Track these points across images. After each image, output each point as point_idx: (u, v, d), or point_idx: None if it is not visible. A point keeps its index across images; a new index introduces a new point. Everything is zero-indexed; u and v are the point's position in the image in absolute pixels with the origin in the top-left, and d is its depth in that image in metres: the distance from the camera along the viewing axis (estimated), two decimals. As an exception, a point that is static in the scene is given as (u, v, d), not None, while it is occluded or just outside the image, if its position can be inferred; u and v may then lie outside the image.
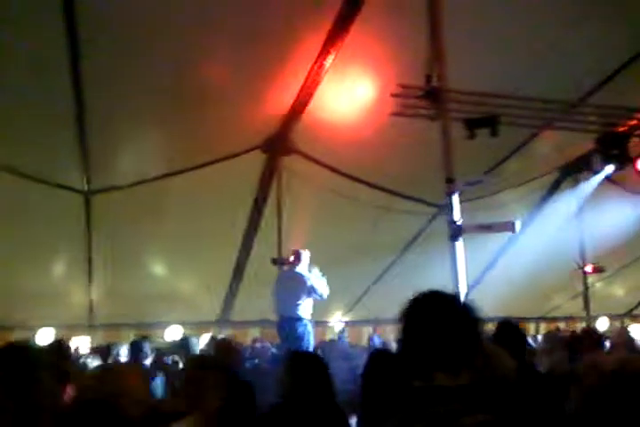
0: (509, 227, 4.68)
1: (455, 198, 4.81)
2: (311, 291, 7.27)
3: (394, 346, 9.15)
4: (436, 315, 1.47)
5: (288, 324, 7.28)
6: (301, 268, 7.60)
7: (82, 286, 10.24)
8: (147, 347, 6.39)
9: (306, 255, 7.71)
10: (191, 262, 10.29)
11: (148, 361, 6.13)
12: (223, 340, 5.94)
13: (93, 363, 4.42)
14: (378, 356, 3.54)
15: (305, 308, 7.28)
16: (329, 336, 11.86)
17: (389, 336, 12.19)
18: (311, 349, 6.88)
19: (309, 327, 7.10)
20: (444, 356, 1.41)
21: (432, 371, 1.40)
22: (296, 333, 7.05)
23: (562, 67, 7.22)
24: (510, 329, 3.98)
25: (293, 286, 7.40)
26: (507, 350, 3.77)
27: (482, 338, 1.51)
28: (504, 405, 1.54)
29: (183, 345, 6.19)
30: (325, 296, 7.36)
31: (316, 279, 7.38)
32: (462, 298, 1.60)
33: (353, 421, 3.50)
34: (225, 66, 7.32)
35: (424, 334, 1.45)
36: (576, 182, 10.54)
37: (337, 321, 12.41)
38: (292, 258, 7.86)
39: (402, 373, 1.46)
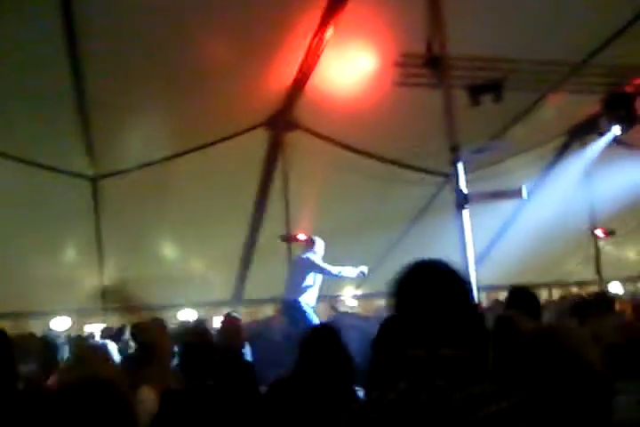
0: (516, 193, 4.62)
1: (460, 167, 4.76)
2: (322, 271, 7.17)
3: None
4: (433, 285, 1.39)
5: (290, 308, 7.18)
6: (312, 253, 7.40)
7: (93, 271, 10.28)
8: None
9: (320, 243, 7.50)
10: (201, 243, 10.31)
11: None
12: (228, 316, 5.61)
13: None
14: (389, 323, 3.47)
15: (308, 293, 7.14)
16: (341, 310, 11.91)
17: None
18: None
19: (310, 312, 6.97)
20: (443, 327, 1.35)
21: (433, 341, 1.33)
22: (299, 317, 6.93)
23: (565, 28, 7.08)
24: (523, 295, 3.94)
25: (299, 271, 7.29)
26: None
27: (476, 309, 1.47)
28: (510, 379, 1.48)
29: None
30: (343, 274, 7.32)
31: (323, 263, 7.26)
32: (459, 268, 1.49)
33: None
34: (223, 43, 7.26)
35: (418, 305, 1.38)
36: (584, 145, 10.44)
37: (349, 295, 12.46)
38: (305, 244, 7.74)
39: (404, 341, 1.42)
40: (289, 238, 8.95)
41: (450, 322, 1.36)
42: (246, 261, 10.91)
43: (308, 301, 7.12)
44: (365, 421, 1.29)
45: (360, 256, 10.82)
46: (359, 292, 12.48)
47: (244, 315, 9.80)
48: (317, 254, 7.38)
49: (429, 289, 1.39)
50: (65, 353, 4.15)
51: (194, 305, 11.13)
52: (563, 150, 10.80)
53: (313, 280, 7.20)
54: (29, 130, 7.60)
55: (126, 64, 6.97)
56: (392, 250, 11.55)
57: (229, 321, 5.27)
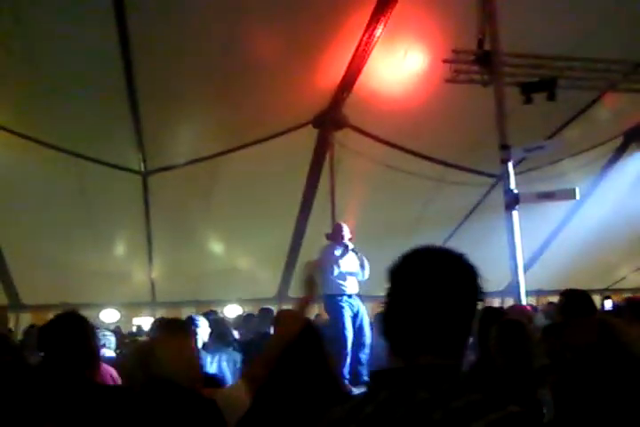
0: (569, 194, 4.45)
1: (510, 166, 4.61)
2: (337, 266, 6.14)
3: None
4: (427, 276, 1.16)
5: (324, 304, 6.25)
6: (331, 242, 6.47)
7: (143, 265, 10.48)
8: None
9: (345, 228, 6.38)
10: (248, 239, 10.36)
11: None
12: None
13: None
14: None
15: (331, 284, 6.11)
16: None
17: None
18: (345, 324, 5.90)
19: (337, 303, 6.02)
20: (432, 331, 1.14)
21: (415, 349, 1.14)
22: (327, 310, 6.20)
23: (623, 25, 6.82)
24: (578, 298, 3.75)
25: (321, 262, 5.98)
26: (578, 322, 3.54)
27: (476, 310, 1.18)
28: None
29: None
30: (363, 276, 6.24)
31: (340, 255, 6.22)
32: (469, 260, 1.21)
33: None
34: (274, 41, 7.26)
35: (409, 302, 1.16)
36: (641, 148, 10.06)
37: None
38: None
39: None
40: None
41: (439, 324, 1.14)
42: (292, 259, 10.92)
43: (332, 291, 6.12)
44: None
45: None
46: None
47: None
48: (331, 244, 6.43)
49: (417, 281, 1.16)
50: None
51: (239, 301, 11.20)
52: (619, 152, 10.43)
53: (331, 271, 6.10)
54: (84, 126, 7.78)
55: (176, 60, 7.05)
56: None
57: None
